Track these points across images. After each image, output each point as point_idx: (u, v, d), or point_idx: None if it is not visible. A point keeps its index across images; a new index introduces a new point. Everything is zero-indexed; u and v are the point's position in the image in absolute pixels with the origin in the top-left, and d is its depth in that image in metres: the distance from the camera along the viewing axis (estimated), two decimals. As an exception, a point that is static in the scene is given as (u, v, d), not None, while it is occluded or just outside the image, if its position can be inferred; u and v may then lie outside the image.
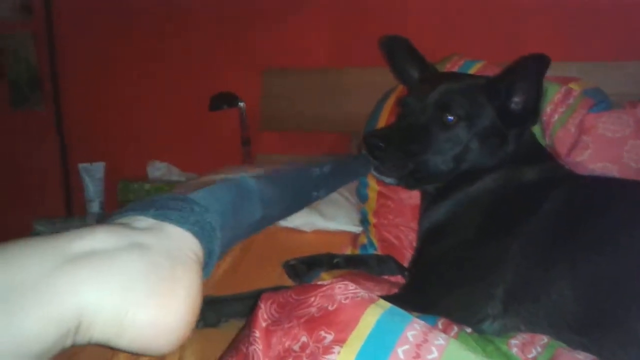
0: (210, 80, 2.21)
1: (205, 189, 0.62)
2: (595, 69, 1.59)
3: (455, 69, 1.47)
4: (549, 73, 1.43)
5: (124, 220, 0.53)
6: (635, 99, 1.27)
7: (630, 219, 0.84)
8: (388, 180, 1.03)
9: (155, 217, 0.53)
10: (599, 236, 0.84)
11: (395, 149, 0.99)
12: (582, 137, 1.18)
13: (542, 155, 1.10)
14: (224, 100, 2.09)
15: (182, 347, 0.89)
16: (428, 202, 1.09)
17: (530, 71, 1.02)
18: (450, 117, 1.01)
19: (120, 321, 0.44)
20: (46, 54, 2.46)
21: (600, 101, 1.25)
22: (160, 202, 0.55)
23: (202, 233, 0.54)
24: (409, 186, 1.13)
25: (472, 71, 1.44)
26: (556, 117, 1.23)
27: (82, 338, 0.44)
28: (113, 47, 2.41)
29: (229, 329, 0.92)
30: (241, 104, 2.11)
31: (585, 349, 0.75)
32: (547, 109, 1.25)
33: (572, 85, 1.31)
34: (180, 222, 0.53)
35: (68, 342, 0.43)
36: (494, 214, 0.98)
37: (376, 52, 1.95)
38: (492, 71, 1.42)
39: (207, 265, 0.56)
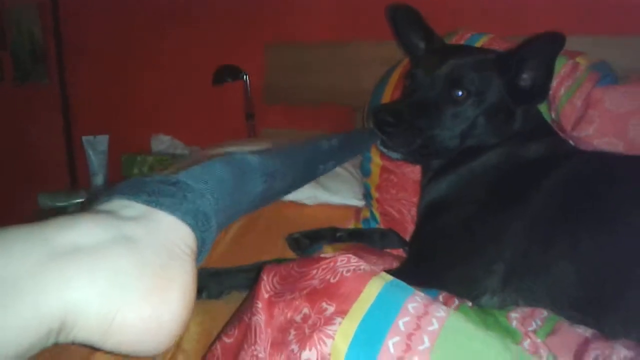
0: (215, 53, 2.19)
1: (201, 167, 0.58)
2: (601, 43, 1.56)
3: (462, 42, 1.45)
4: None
5: (112, 206, 0.49)
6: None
7: (633, 197, 0.84)
8: (394, 155, 1.02)
9: (146, 203, 0.49)
10: (601, 214, 0.84)
11: (405, 125, 0.97)
12: (588, 111, 1.17)
13: (547, 132, 1.09)
14: (228, 74, 2.08)
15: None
16: (430, 177, 1.08)
17: (544, 49, 1.01)
18: (460, 93, 0.99)
19: (108, 322, 0.42)
20: (50, 27, 2.45)
21: (606, 75, 1.24)
22: (151, 187, 0.51)
23: (196, 222, 0.50)
24: (415, 161, 1.12)
25: (478, 44, 1.42)
26: (562, 91, 1.22)
27: (65, 338, 0.41)
28: (117, 21, 2.40)
29: (232, 300, 0.93)
30: (245, 78, 2.10)
31: (585, 324, 0.76)
32: (553, 82, 1.23)
33: (578, 59, 1.29)
34: (173, 211, 0.49)
35: (49, 342, 0.40)
36: (496, 190, 0.97)
37: (382, 25, 1.93)
38: (499, 44, 1.41)
39: (200, 254, 0.52)
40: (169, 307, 0.45)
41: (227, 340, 0.63)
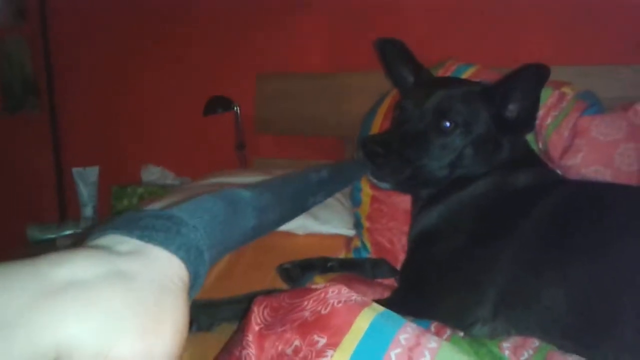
0: (206, 84, 2.21)
1: (193, 201, 0.58)
2: (587, 72, 1.59)
3: (449, 74, 1.47)
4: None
5: (106, 241, 0.48)
6: (627, 103, 1.28)
7: (622, 225, 0.85)
8: (383, 185, 1.03)
9: (140, 238, 0.49)
10: (590, 242, 0.84)
11: (394, 155, 0.98)
12: (575, 140, 1.18)
13: (534, 161, 1.11)
14: (219, 104, 2.09)
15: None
16: (420, 207, 1.09)
17: (529, 81, 1.03)
18: (448, 124, 1.00)
19: (102, 358, 0.41)
20: (41, 58, 2.46)
21: (593, 104, 1.26)
22: (145, 221, 0.51)
23: (188, 256, 0.50)
24: (405, 191, 1.13)
25: (465, 75, 1.44)
26: (549, 120, 1.24)
27: None
28: (108, 52, 2.42)
29: (222, 332, 0.92)
30: (236, 108, 2.11)
31: (576, 353, 0.76)
32: (540, 112, 1.25)
33: (564, 89, 1.32)
34: (167, 245, 0.49)
35: None
36: (485, 219, 0.98)
37: (372, 56, 1.96)
38: (486, 75, 1.43)
39: (192, 288, 0.53)
40: (162, 343, 0.45)
41: (217, 374, 0.62)
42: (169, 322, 0.45)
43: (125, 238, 0.49)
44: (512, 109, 1.04)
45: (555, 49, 1.74)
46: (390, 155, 0.98)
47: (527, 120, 1.06)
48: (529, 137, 1.22)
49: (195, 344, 0.90)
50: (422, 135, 1.01)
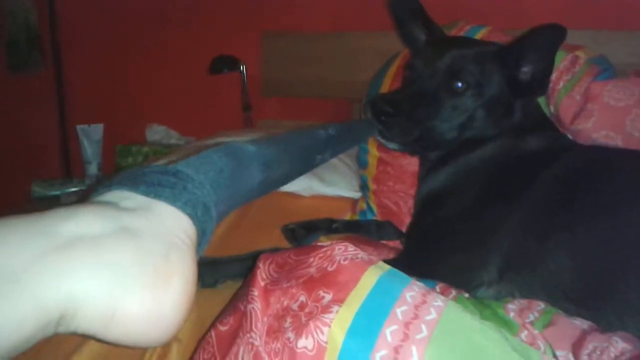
0: (211, 43, 2.18)
1: (198, 157, 0.57)
2: (600, 37, 1.56)
3: (461, 35, 1.44)
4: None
5: (111, 197, 0.48)
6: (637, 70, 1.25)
7: (630, 190, 0.84)
8: (392, 145, 1.02)
9: (145, 194, 0.48)
10: (598, 206, 0.84)
11: (403, 115, 0.96)
12: (587, 105, 1.17)
13: (545, 125, 1.09)
14: (224, 64, 2.06)
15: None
16: (427, 169, 1.08)
17: (544, 42, 1.00)
18: (460, 84, 0.98)
19: (109, 314, 0.41)
20: (46, 15, 2.42)
21: (605, 69, 1.23)
22: (150, 177, 0.50)
23: (195, 213, 0.50)
24: (413, 152, 1.12)
25: (477, 37, 1.41)
26: (561, 84, 1.22)
27: (65, 329, 0.41)
28: (113, 9, 2.37)
29: (225, 290, 0.92)
30: (242, 68, 2.08)
31: (581, 316, 0.76)
32: (552, 76, 1.23)
33: (578, 52, 1.29)
34: (173, 201, 0.49)
35: (49, 333, 0.40)
36: (493, 182, 0.97)
37: (381, 15, 1.92)
38: (498, 37, 1.40)
39: (200, 244, 0.52)
40: (170, 298, 0.45)
41: (222, 328, 0.62)
42: (177, 279, 0.45)
43: (131, 194, 0.48)
44: (526, 71, 1.02)
45: (569, 13, 1.69)
46: (399, 115, 0.96)
47: (541, 82, 1.03)
48: (541, 101, 1.20)
49: (198, 301, 0.90)
50: (432, 95, 0.99)
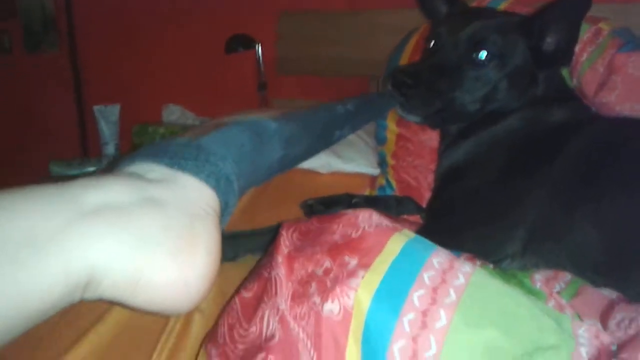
0: (226, 23, 2.16)
1: (220, 132, 0.58)
2: (624, 10, 1.52)
3: (485, 3, 1.42)
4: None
5: (135, 169, 0.49)
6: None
7: None
8: (412, 118, 1.00)
9: (169, 166, 0.49)
10: (625, 177, 0.82)
11: (424, 87, 0.95)
12: (611, 77, 1.14)
13: (569, 97, 1.07)
14: (240, 43, 2.05)
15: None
16: (448, 142, 1.06)
17: (569, 12, 0.98)
18: (483, 55, 0.96)
19: (136, 281, 0.42)
20: (62, -5, 2.42)
21: (629, 41, 1.21)
22: (173, 150, 0.51)
23: (218, 185, 0.51)
24: (434, 125, 1.10)
25: (500, 8, 1.39)
26: (584, 56, 1.19)
27: (91, 295, 0.41)
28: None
29: (247, 262, 0.92)
30: (257, 47, 2.07)
31: (608, 287, 0.75)
32: (576, 48, 1.21)
33: (601, 24, 1.26)
34: (196, 173, 0.50)
35: (76, 298, 0.41)
36: (517, 155, 0.95)
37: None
38: (520, 8, 1.37)
39: (222, 217, 0.53)
40: (195, 267, 0.46)
41: (246, 294, 0.62)
42: (201, 247, 0.46)
43: (154, 166, 0.49)
44: (550, 42, 1.00)
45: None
46: (420, 86, 0.94)
47: (565, 53, 1.01)
48: (564, 73, 1.18)
49: (219, 273, 0.91)
50: (454, 66, 0.97)
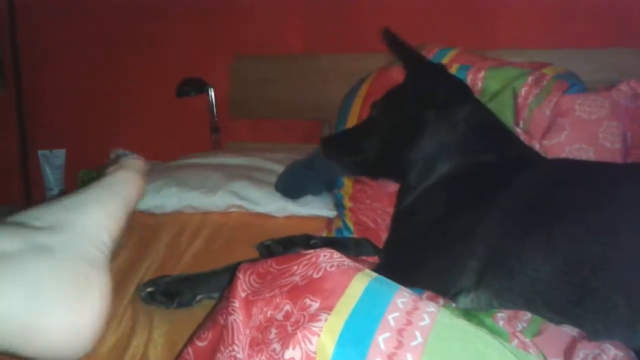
0: (178, 66, 2.15)
1: None
2: (568, 56, 1.60)
3: (430, 56, 1.45)
4: (522, 59, 1.45)
5: (22, 218, 0.51)
6: (608, 85, 1.27)
7: (605, 193, 0.83)
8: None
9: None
10: (572, 209, 0.83)
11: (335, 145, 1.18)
12: (558, 119, 1.18)
13: (504, 137, 1.10)
14: (191, 86, 2.04)
15: (150, 329, 0.85)
16: (403, 189, 1.10)
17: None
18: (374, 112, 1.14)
19: (29, 329, 0.42)
20: (7, 37, 2.35)
21: (574, 84, 1.26)
22: None
23: None
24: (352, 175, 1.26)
25: (446, 58, 1.43)
26: (530, 99, 1.23)
27: None
28: (76, 30, 2.33)
29: (199, 310, 0.88)
30: (209, 91, 2.06)
31: (565, 324, 0.74)
32: (522, 91, 1.25)
33: (545, 70, 1.31)
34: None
35: None
36: (464, 192, 0.98)
37: (349, 37, 1.93)
38: (466, 58, 1.42)
39: None
40: (89, 312, 0.48)
41: (200, 343, 0.58)
42: (95, 293, 0.49)
43: (42, 213, 0.52)
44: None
45: (536, 32, 1.74)
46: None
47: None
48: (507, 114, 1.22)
49: (169, 322, 0.86)
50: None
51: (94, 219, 0.68)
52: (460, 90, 1.14)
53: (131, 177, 1.01)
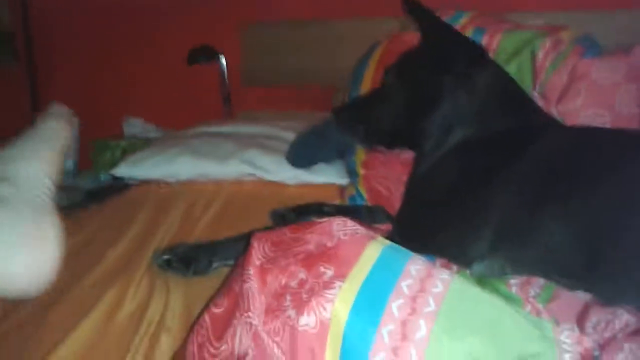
0: (189, 34, 2.12)
1: None
2: (585, 18, 1.56)
3: (444, 20, 1.43)
4: (539, 22, 1.42)
5: None
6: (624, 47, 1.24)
7: (622, 161, 0.82)
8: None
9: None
10: (590, 177, 0.82)
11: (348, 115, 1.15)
12: (574, 84, 1.16)
13: (522, 104, 1.07)
14: (202, 54, 2.02)
15: (167, 296, 0.86)
16: (415, 158, 1.10)
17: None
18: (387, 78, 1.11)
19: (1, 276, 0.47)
20: (19, 9, 2.34)
21: (591, 47, 1.23)
22: None
23: None
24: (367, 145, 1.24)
25: (461, 21, 1.40)
26: (548, 63, 1.21)
27: None
28: (87, 2, 2.31)
29: (214, 278, 0.89)
30: (221, 58, 2.04)
31: (578, 290, 0.74)
32: (539, 54, 1.22)
33: (562, 33, 1.28)
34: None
35: None
36: (478, 160, 0.97)
37: (362, 2, 1.90)
38: (481, 22, 1.39)
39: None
40: (47, 255, 0.54)
41: (216, 310, 0.59)
42: (50, 233, 0.54)
43: None
44: None
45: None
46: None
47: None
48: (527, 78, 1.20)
49: (185, 289, 0.88)
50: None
51: (36, 167, 0.78)
52: (479, 55, 1.09)
53: (58, 124, 1.18)
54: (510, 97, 1.08)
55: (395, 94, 1.09)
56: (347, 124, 1.15)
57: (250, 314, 0.53)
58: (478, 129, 1.01)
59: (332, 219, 0.60)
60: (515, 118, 1.01)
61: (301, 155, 1.36)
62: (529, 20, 1.45)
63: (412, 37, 1.38)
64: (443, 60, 1.05)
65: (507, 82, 1.09)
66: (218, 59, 2.04)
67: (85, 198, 1.86)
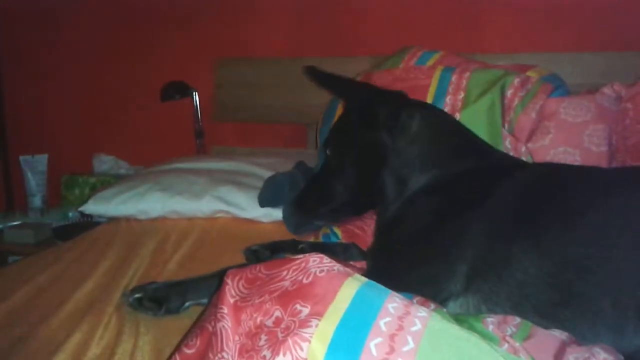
0: (161, 70, 2.13)
1: None
2: (553, 59, 1.61)
3: (414, 60, 1.46)
4: (507, 62, 1.46)
5: None
6: (592, 89, 1.28)
7: (593, 198, 0.83)
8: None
9: None
10: (562, 213, 0.83)
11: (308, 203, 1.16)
12: (544, 122, 1.19)
13: (472, 142, 1.08)
14: (176, 90, 2.02)
15: (136, 337, 0.83)
16: (379, 208, 1.10)
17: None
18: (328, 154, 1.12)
19: None
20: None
21: (559, 86, 1.27)
22: None
23: None
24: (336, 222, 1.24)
25: (430, 61, 1.43)
26: (516, 102, 1.24)
27: None
28: (59, 33, 2.30)
29: (186, 317, 0.87)
30: (194, 94, 2.04)
31: (553, 328, 0.74)
32: (508, 93, 1.25)
33: (529, 72, 1.32)
34: None
35: None
36: (447, 199, 0.97)
37: (334, 40, 1.93)
38: (451, 61, 1.42)
39: None
40: None
41: (187, 351, 0.57)
42: None
43: None
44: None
45: (520, 36, 1.75)
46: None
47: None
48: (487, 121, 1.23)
49: (156, 329, 0.85)
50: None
51: None
52: (399, 101, 1.10)
53: None
54: (458, 136, 1.09)
55: (342, 166, 1.10)
56: (310, 212, 1.16)
57: (224, 354, 0.52)
58: (437, 172, 1.01)
59: (308, 255, 0.59)
60: (471, 158, 1.02)
61: (272, 200, 1.36)
62: (498, 61, 1.49)
63: (382, 76, 1.41)
64: (367, 117, 1.07)
65: (445, 121, 1.11)
66: (191, 95, 2.04)
67: (53, 235, 1.81)
